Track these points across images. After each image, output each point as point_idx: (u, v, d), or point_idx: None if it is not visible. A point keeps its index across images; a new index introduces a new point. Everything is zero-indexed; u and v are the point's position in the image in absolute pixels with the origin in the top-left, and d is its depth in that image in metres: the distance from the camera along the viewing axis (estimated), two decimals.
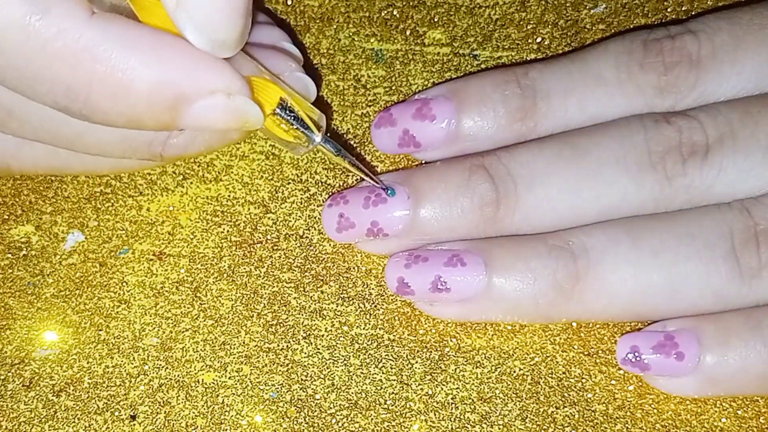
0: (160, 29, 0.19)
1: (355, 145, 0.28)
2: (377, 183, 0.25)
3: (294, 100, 0.22)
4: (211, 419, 0.26)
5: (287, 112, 0.22)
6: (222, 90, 0.19)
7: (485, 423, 0.26)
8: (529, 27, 0.29)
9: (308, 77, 0.24)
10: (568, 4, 0.29)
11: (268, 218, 0.28)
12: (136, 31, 0.19)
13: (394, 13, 0.29)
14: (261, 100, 0.21)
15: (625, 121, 0.25)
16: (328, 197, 0.27)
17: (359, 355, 0.26)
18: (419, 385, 0.26)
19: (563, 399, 0.26)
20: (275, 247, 0.27)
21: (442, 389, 0.26)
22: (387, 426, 0.26)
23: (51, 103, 0.19)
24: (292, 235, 0.28)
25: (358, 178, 0.28)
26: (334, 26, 0.29)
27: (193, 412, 0.26)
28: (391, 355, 0.26)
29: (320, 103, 0.28)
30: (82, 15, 0.18)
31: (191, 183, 0.28)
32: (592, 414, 0.26)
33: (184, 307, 0.27)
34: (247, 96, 0.20)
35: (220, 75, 0.19)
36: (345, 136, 0.28)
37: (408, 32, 0.29)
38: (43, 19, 0.18)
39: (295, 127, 0.22)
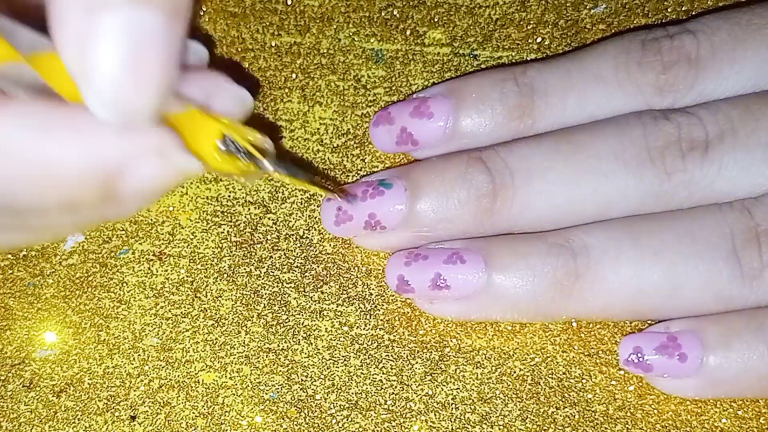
0: (77, 102, 0.17)
1: (355, 146, 0.28)
2: (340, 196, 0.25)
3: (233, 130, 0.21)
4: (211, 420, 0.26)
5: (230, 145, 0.20)
6: (152, 153, 0.18)
7: (485, 423, 0.26)
8: (529, 27, 0.29)
9: (240, 88, 0.23)
10: (568, 4, 0.29)
11: (268, 218, 0.28)
12: (50, 112, 0.17)
13: (394, 13, 0.29)
14: (197, 141, 0.20)
15: (624, 118, 0.25)
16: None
17: (359, 356, 0.26)
18: (419, 385, 0.26)
19: (563, 399, 0.26)
20: (275, 248, 0.27)
21: (443, 390, 0.26)
22: (387, 426, 0.26)
23: None
24: (293, 235, 0.28)
25: (358, 177, 0.28)
26: (334, 26, 0.29)
27: (194, 413, 0.26)
28: (392, 356, 0.26)
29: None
30: None
31: (191, 183, 0.28)
32: (593, 414, 0.26)
33: (184, 307, 0.27)
34: (180, 148, 0.19)
35: (146, 137, 0.18)
36: (345, 136, 0.28)
37: (408, 32, 0.29)
38: None
39: (242, 159, 0.21)
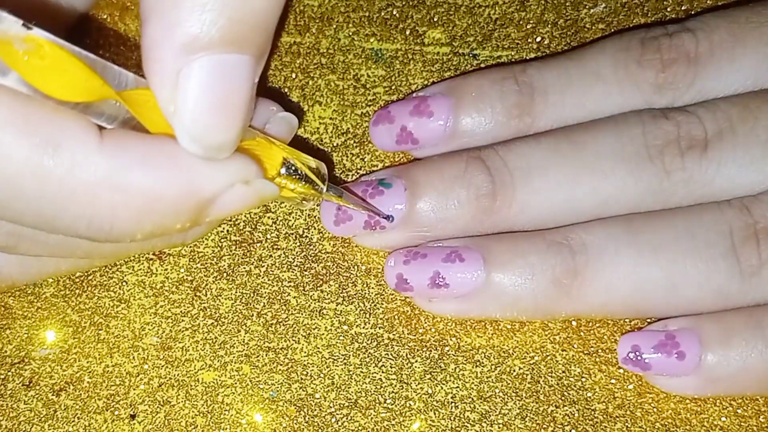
0: (168, 136, 0.18)
1: (354, 145, 0.28)
2: (380, 215, 0.25)
3: (294, 156, 0.22)
4: (210, 418, 0.26)
5: (291, 171, 0.22)
6: (240, 181, 0.19)
7: (485, 422, 0.26)
8: (528, 26, 0.29)
9: (288, 113, 0.24)
10: (567, 4, 0.29)
11: (268, 217, 0.28)
12: (147, 146, 0.18)
13: (394, 12, 0.29)
14: (265, 164, 0.21)
15: (623, 116, 0.25)
16: None
17: (359, 354, 0.26)
18: (419, 384, 0.26)
19: (563, 398, 0.26)
20: (275, 247, 0.27)
21: (442, 388, 0.26)
22: (387, 425, 0.26)
23: (74, 235, 0.19)
24: (292, 234, 0.28)
25: (357, 175, 0.28)
26: (334, 26, 0.29)
27: (193, 411, 0.26)
28: (391, 354, 0.26)
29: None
30: (93, 144, 0.17)
31: None
32: (592, 413, 0.26)
33: (184, 306, 0.27)
34: (261, 176, 0.20)
35: (235, 167, 0.19)
36: (345, 135, 0.28)
37: (408, 32, 0.29)
38: (55, 157, 0.17)
39: (302, 184, 0.22)
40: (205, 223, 0.20)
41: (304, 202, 0.23)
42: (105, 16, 0.29)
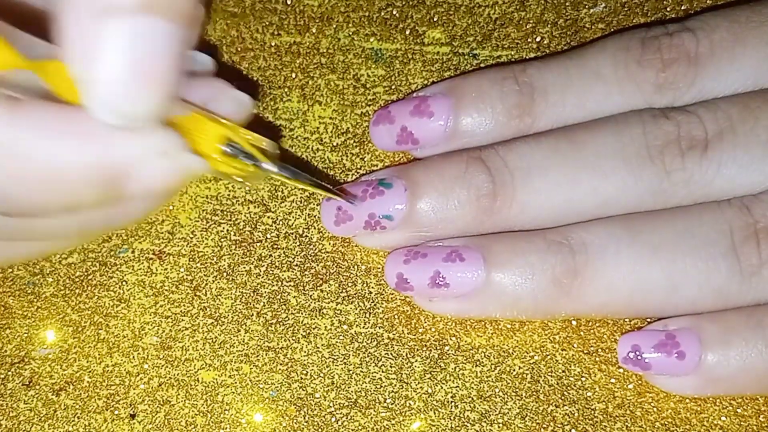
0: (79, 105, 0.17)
1: (354, 144, 0.28)
2: (341, 197, 0.25)
3: (235, 132, 0.21)
4: (210, 418, 0.26)
5: (232, 148, 0.20)
6: (157, 153, 0.18)
7: (485, 421, 0.26)
8: (528, 26, 0.29)
9: (240, 92, 0.23)
10: (567, 4, 0.29)
11: (268, 217, 0.28)
12: (57, 115, 0.17)
13: (394, 12, 0.29)
14: (200, 144, 0.20)
15: (623, 116, 0.25)
16: None
17: (359, 354, 0.26)
18: (419, 383, 0.26)
19: (563, 397, 0.26)
20: (275, 246, 0.27)
21: (442, 388, 0.26)
22: (387, 424, 0.26)
23: None
24: (292, 234, 0.28)
25: (357, 175, 0.28)
26: (334, 26, 0.29)
27: (193, 411, 0.26)
28: (391, 354, 0.26)
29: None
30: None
31: (191, 182, 0.28)
32: (592, 412, 0.26)
33: (184, 306, 0.27)
34: (185, 150, 0.19)
35: (153, 139, 0.18)
36: (345, 135, 0.28)
37: (407, 32, 0.29)
38: None
39: (245, 162, 0.21)
40: (130, 198, 0.19)
41: (251, 181, 0.21)
42: None
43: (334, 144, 0.28)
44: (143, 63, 0.16)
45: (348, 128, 0.28)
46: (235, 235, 0.28)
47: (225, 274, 0.27)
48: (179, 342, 0.27)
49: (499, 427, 0.26)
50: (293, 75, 0.29)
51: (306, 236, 0.28)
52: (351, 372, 0.26)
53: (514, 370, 0.26)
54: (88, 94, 0.17)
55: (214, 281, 0.27)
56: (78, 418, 0.26)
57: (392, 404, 0.26)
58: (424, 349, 0.26)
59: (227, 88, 0.23)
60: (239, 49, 0.29)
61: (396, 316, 0.27)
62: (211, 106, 0.22)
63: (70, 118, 0.17)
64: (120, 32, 0.16)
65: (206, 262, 0.27)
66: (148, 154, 0.18)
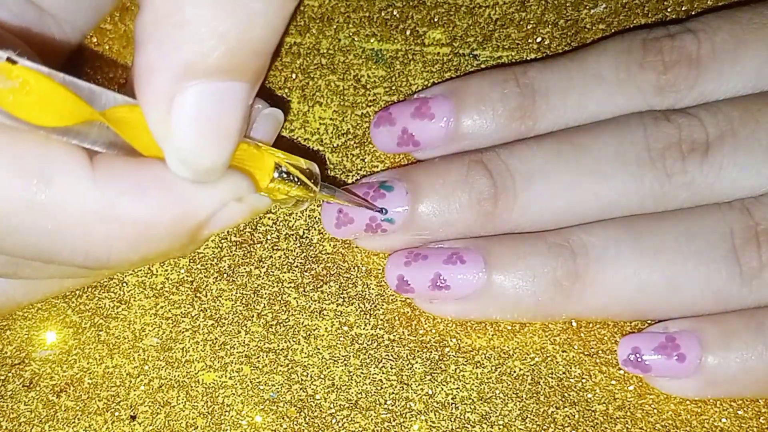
0: (157, 158, 0.18)
1: (355, 146, 0.28)
2: (375, 209, 0.25)
3: (284, 160, 0.22)
4: (211, 419, 0.26)
5: (283, 175, 0.21)
6: (233, 199, 0.19)
7: (485, 423, 0.26)
8: (529, 27, 0.29)
9: (275, 109, 0.24)
10: (568, 4, 0.29)
11: (268, 218, 0.28)
12: (138, 173, 0.18)
13: (394, 13, 0.29)
14: (256, 173, 0.20)
15: (625, 119, 0.25)
16: None
17: (359, 355, 0.26)
18: (419, 385, 0.26)
19: (563, 399, 0.26)
20: (275, 247, 0.27)
21: (443, 389, 0.26)
22: (387, 426, 0.26)
23: (71, 265, 0.19)
24: (292, 235, 0.28)
25: (358, 177, 0.28)
26: (334, 26, 0.29)
27: (194, 413, 0.26)
28: (391, 355, 0.26)
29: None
30: (84, 176, 0.17)
31: None
32: (592, 414, 0.26)
33: (184, 307, 0.27)
34: (254, 191, 0.20)
35: (227, 187, 0.19)
36: (345, 136, 0.28)
37: (408, 32, 0.29)
38: (47, 192, 0.17)
39: (295, 186, 0.22)
40: (202, 241, 0.20)
41: (298, 203, 0.22)
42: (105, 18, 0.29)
43: (335, 145, 0.28)
44: (217, 122, 0.17)
45: (348, 129, 0.28)
46: (235, 236, 0.28)
47: (225, 275, 0.27)
48: (180, 343, 0.27)
49: (499, 428, 0.26)
50: (293, 76, 0.28)
51: (306, 237, 0.28)
52: (351, 373, 0.26)
53: (514, 372, 0.26)
54: (165, 149, 0.18)
55: (214, 282, 0.27)
56: (78, 419, 0.26)
57: (393, 406, 0.26)
58: (425, 350, 0.26)
59: (261, 106, 0.23)
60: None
61: (396, 318, 0.27)
62: (253, 126, 0.23)
63: (151, 174, 0.18)
64: (198, 94, 0.17)
65: (207, 264, 0.27)
66: (226, 202, 0.19)
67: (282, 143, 0.28)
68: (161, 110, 0.17)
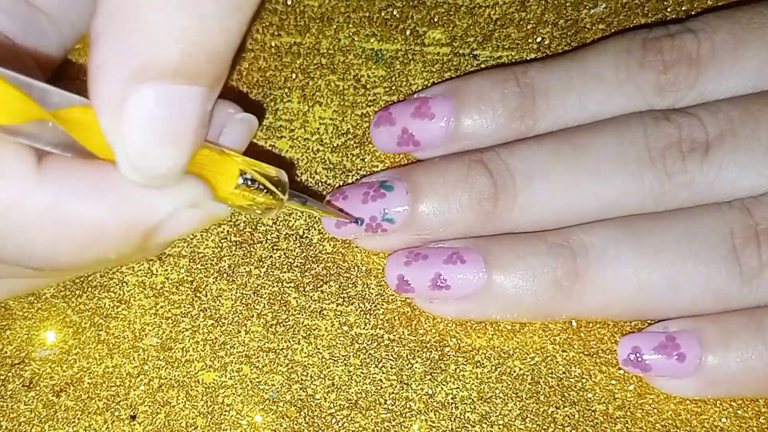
0: (109, 161, 0.18)
1: (355, 145, 0.28)
2: (348, 219, 0.25)
3: (250, 166, 0.21)
4: (211, 419, 0.26)
5: (248, 183, 0.21)
6: (187, 206, 0.19)
7: (485, 423, 0.26)
8: (529, 27, 0.29)
9: (247, 114, 0.23)
10: (568, 4, 0.29)
11: (268, 218, 0.28)
12: (88, 175, 0.18)
13: (394, 13, 0.29)
14: (219, 180, 0.20)
15: (625, 119, 0.25)
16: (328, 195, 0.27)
17: (359, 355, 0.26)
18: (419, 384, 0.26)
19: (563, 399, 0.26)
20: (275, 247, 0.27)
21: (442, 389, 0.26)
22: (387, 426, 0.26)
23: (18, 266, 0.18)
24: (292, 235, 0.28)
25: (358, 176, 0.28)
26: (334, 26, 0.29)
27: (193, 412, 0.26)
28: (391, 355, 0.26)
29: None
30: (31, 177, 0.17)
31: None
32: (592, 414, 0.26)
33: (184, 307, 0.27)
34: (211, 198, 0.19)
35: (181, 193, 0.19)
36: (345, 136, 0.28)
37: (408, 32, 0.29)
38: None
39: (262, 194, 0.21)
40: (157, 246, 0.19)
41: (266, 211, 0.22)
42: None
43: (335, 145, 0.28)
44: (171, 127, 0.17)
45: (348, 129, 0.28)
46: (235, 236, 0.28)
47: (225, 275, 0.27)
48: (179, 343, 0.27)
49: (499, 428, 0.26)
50: (293, 76, 0.29)
51: (306, 237, 0.28)
52: (351, 373, 0.26)
53: (514, 372, 0.26)
54: (117, 153, 0.17)
55: (214, 282, 0.27)
56: (78, 419, 0.26)
57: (392, 405, 0.26)
58: (425, 350, 0.26)
59: (234, 111, 0.23)
60: (239, 49, 0.29)
61: (396, 318, 0.27)
62: (223, 131, 0.22)
63: (102, 176, 0.18)
64: (149, 97, 0.16)
65: (206, 263, 0.27)
66: (179, 208, 0.19)
67: (283, 143, 0.28)
68: (113, 112, 0.17)
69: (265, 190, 0.21)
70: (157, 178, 0.18)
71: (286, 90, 0.28)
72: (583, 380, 0.26)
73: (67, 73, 0.28)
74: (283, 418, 0.26)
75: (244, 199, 0.21)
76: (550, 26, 0.29)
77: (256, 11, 0.18)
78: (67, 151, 0.18)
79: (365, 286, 0.27)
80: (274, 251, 0.27)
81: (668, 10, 0.29)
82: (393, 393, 0.26)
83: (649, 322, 0.26)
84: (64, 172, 0.17)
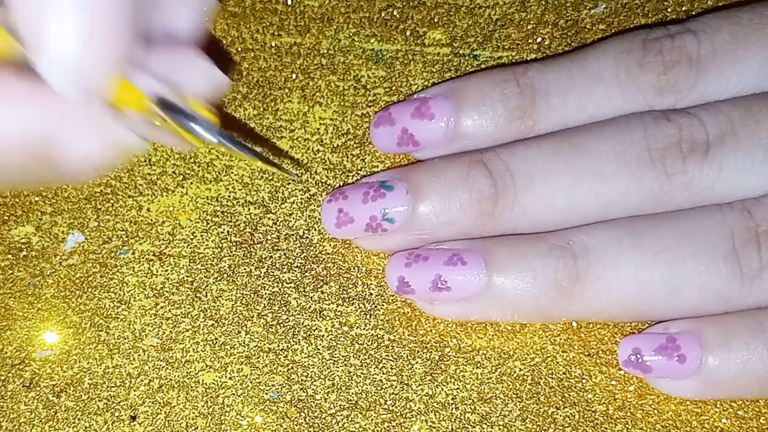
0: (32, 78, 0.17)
1: (355, 146, 0.28)
2: (285, 171, 0.24)
3: (175, 97, 0.20)
4: (211, 420, 0.26)
5: (165, 110, 0.20)
6: (86, 125, 0.18)
7: (485, 423, 0.26)
8: (529, 27, 0.29)
9: (213, 67, 0.22)
10: (568, 4, 0.29)
11: (268, 218, 0.28)
12: None
13: (394, 13, 0.29)
14: (128, 103, 0.19)
15: (625, 119, 0.25)
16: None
17: (359, 356, 0.26)
18: (419, 385, 0.26)
19: (563, 399, 0.26)
20: (275, 248, 0.27)
21: (443, 390, 0.26)
22: (387, 426, 0.26)
23: None
24: (293, 235, 0.28)
25: (358, 177, 0.28)
26: (334, 26, 0.29)
27: (194, 413, 0.26)
28: (392, 356, 0.26)
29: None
30: None
31: (191, 183, 0.28)
32: (593, 414, 0.26)
33: (184, 307, 0.27)
34: (119, 123, 0.19)
35: (78, 108, 0.18)
36: (345, 136, 0.28)
37: (408, 33, 0.29)
38: None
39: (176, 123, 0.20)
40: (61, 165, 0.19)
41: (184, 142, 0.21)
42: None
43: (335, 145, 0.28)
44: (94, 23, 0.16)
45: (348, 129, 0.28)
46: (235, 236, 0.28)
47: (225, 275, 0.27)
48: (180, 343, 0.27)
49: (499, 429, 0.26)
50: (294, 76, 0.28)
51: (306, 238, 0.28)
52: (351, 374, 0.26)
53: (514, 372, 0.26)
54: (38, 57, 0.17)
55: (214, 283, 0.27)
56: (78, 419, 0.26)
57: (393, 406, 0.26)
58: (425, 350, 0.26)
59: (200, 60, 0.22)
60: (239, 49, 0.29)
61: (397, 318, 0.27)
62: (179, 76, 0.21)
63: (8, 88, 0.17)
64: None
65: (207, 264, 0.27)
66: (73, 124, 0.18)
67: (283, 144, 0.28)
68: (30, 12, 0.16)
69: (178, 116, 0.20)
70: (82, 83, 0.17)
71: (286, 90, 0.28)
72: (584, 381, 0.26)
73: None
74: (283, 419, 0.26)
75: (156, 119, 0.20)
76: (550, 26, 0.29)
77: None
78: None
79: (365, 286, 0.27)
80: (275, 252, 0.27)
81: (668, 10, 0.29)
82: (393, 393, 0.26)
83: (649, 323, 0.26)
84: None
